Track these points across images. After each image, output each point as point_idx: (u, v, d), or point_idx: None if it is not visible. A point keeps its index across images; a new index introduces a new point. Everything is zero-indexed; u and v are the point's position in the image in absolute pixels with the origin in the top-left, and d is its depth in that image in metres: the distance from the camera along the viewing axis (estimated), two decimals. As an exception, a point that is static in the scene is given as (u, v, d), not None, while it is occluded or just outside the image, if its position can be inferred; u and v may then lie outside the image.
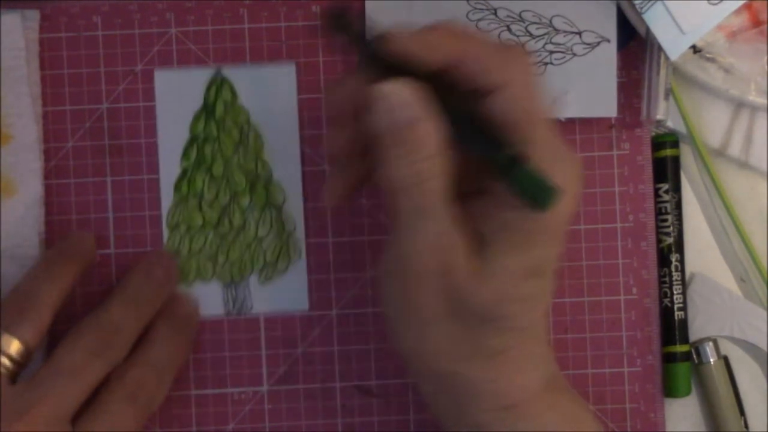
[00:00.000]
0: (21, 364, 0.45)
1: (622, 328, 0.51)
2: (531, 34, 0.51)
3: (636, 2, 0.49)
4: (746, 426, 0.51)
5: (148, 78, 0.51)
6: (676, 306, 0.52)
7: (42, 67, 0.51)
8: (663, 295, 0.52)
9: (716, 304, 0.52)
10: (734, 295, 0.52)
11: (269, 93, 0.51)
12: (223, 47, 0.51)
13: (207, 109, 0.51)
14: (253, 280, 0.51)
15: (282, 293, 0.51)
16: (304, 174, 0.51)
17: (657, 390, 0.51)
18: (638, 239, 0.52)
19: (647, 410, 0.51)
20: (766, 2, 0.51)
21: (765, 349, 0.52)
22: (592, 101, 0.51)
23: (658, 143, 0.52)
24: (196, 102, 0.51)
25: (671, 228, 0.52)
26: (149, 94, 0.51)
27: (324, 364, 0.51)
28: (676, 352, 0.51)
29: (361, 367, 0.51)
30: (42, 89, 0.51)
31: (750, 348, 0.52)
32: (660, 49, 0.49)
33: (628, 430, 0.51)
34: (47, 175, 0.51)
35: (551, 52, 0.51)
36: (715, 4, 0.49)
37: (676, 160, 0.52)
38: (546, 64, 0.51)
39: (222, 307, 0.51)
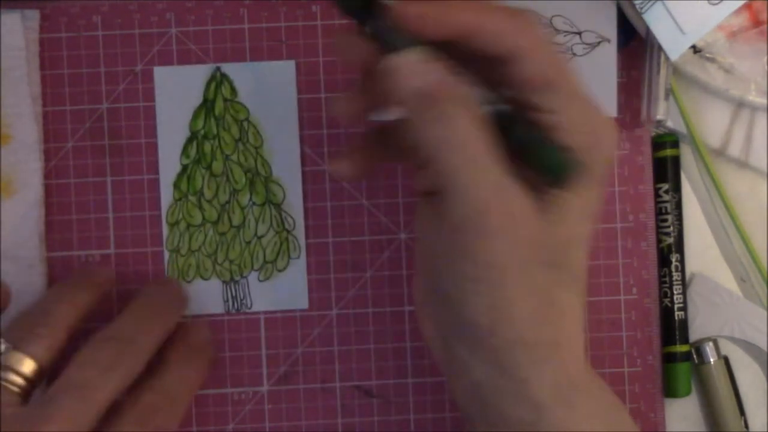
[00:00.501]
0: (34, 382, 0.43)
1: (622, 328, 0.51)
2: (531, 34, 0.51)
3: (636, 2, 0.49)
4: (746, 426, 0.51)
5: (148, 78, 0.51)
6: (676, 306, 0.52)
7: (42, 67, 0.51)
8: (663, 295, 0.52)
9: (716, 304, 0.52)
10: (734, 295, 0.52)
11: (269, 89, 0.51)
12: (223, 47, 0.51)
13: (206, 106, 0.51)
14: (253, 278, 0.51)
15: (281, 291, 0.51)
16: (303, 172, 0.51)
17: (657, 390, 0.51)
18: (638, 239, 0.52)
19: (647, 410, 0.51)
20: (766, 2, 0.51)
21: (765, 349, 0.52)
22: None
23: (658, 143, 0.52)
24: (196, 99, 0.51)
25: (671, 228, 0.52)
26: (149, 94, 0.51)
27: (324, 364, 0.51)
28: (676, 352, 0.51)
29: (361, 367, 0.51)
30: (42, 89, 0.51)
31: (750, 348, 0.52)
32: (660, 49, 0.49)
33: (629, 430, 0.51)
34: (47, 175, 0.51)
35: (551, 52, 0.51)
36: (715, 4, 0.49)
37: (676, 160, 0.52)
38: (546, 64, 0.51)
39: (221, 305, 0.51)
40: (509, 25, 0.39)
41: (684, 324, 0.52)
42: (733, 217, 0.52)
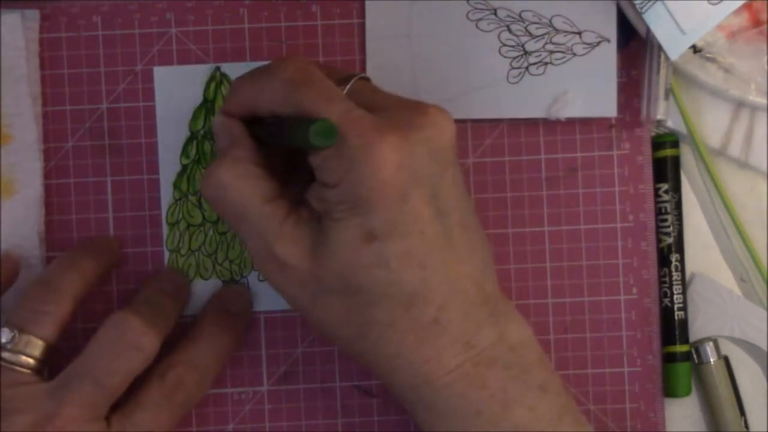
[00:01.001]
0: (45, 360, 0.45)
1: (622, 328, 0.51)
2: (531, 34, 0.51)
3: (636, 2, 0.49)
4: (746, 426, 0.51)
5: (148, 78, 0.51)
6: (676, 306, 0.52)
7: (42, 67, 0.51)
8: (663, 295, 0.52)
9: (716, 304, 0.52)
10: (734, 295, 0.52)
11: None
12: (223, 47, 0.51)
13: (206, 105, 0.51)
14: (253, 277, 0.51)
15: (282, 292, 0.51)
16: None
17: (657, 390, 0.51)
18: (638, 239, 0.52)
19: (647, 410, 0.51)
20: (766, 2, 0.51)
21: (765, 349, 0.52)
22: (592, 101, 0.51)
23: (658, 143, 0.52)
24: (196, 98, 0.51)
25: (671, 228, 0.52)
26: (149, 94, 0.51)
27: (324, 364, 0.51)
28: (676, 352, 0.51)
29: (361, 367, 0.51)
30: (42, 89, 0.51)
31: (750, 348, 0.52)
32: (660, 49, 0.49)
33: (628, 430, 0.51)
34: (47, 175, 0.51)
35: (551, 52, 0.51)
36: (715, 4, 0.49)
37: (676, 160, 0.52)
38: (546, 64, 0.51)
39: (222, 305, 0.51)
40: (277, 96, 0.43)
41: (684, 324, 0.52)
42: (733, 217, 0.52)
